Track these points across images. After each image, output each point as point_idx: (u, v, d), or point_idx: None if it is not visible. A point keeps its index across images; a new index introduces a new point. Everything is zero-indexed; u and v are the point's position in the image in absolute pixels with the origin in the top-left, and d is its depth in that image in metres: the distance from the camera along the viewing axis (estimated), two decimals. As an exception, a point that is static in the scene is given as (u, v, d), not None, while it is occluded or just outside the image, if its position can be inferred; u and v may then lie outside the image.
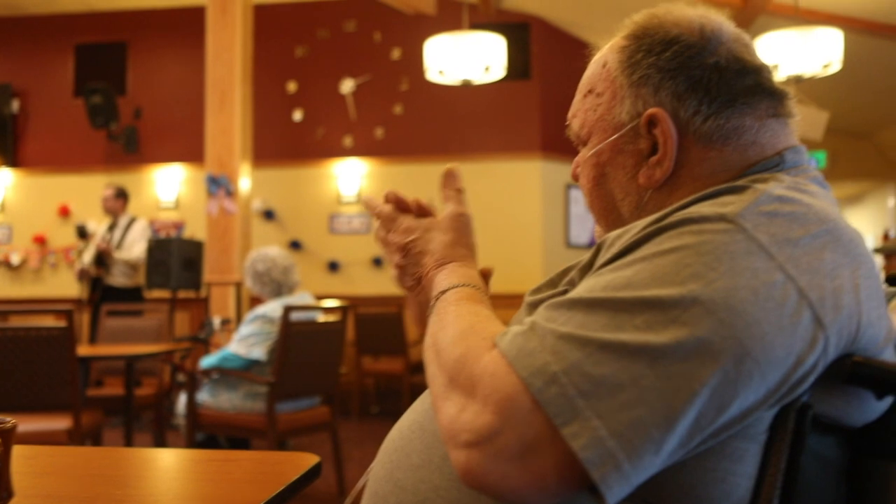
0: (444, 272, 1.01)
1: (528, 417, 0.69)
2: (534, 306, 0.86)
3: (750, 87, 0.90)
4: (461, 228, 1.06)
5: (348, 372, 6.66)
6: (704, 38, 0.91)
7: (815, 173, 0.91)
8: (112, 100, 7.94)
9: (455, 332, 0.84)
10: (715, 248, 0.72)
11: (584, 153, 0.99)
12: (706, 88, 0.89)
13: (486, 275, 1.10)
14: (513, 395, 0.70)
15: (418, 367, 6.32)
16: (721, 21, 0.94)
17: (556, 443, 0.68)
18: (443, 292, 0.95)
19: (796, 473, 0.75)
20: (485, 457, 0.71)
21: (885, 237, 8.98)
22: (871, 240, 10.09)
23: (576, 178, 1.05)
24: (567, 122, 1.04)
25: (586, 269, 0.84)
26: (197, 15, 6.63)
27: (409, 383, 6.39)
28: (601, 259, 0.81)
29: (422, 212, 1.11)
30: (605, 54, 0.98)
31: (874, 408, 0.82)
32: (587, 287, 0.77)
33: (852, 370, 0.75)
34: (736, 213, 0.75)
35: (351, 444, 5.19)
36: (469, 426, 0.72)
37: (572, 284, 0.85)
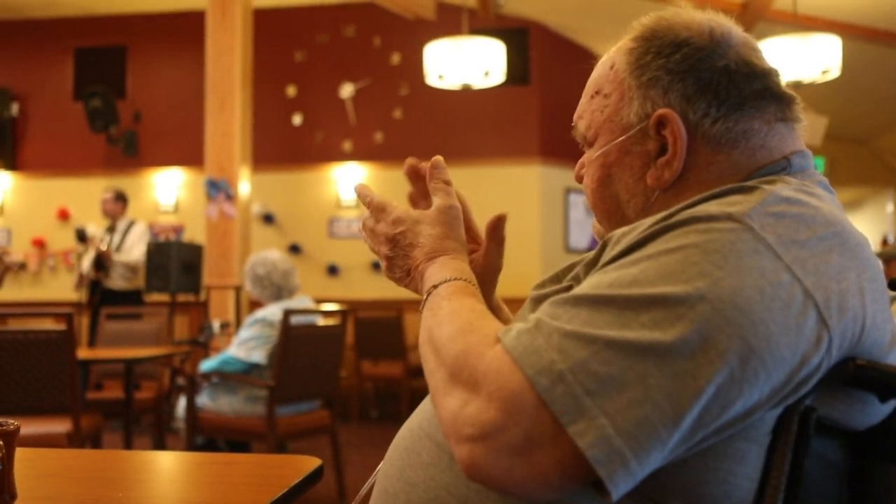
0: (434, 265, 1.00)
1: (533, 414, 0.69)
2: (538, 301, 0.86)
3: (758, 90, 0.91)
4: (450, 222, 1.05)
5: (348, 376, 6.66)
6: (714, 42, 0.91)
7: (822, 178, 0.91)
8: (112, 103, 7.94)
9: (454, 327, 0.84)
10: (722, 247, 0.73)
11: (591, 154, 0.99)
12: (715, 91, 0.89)
13: (500, 221, 1.12)
14: (518, 392, 0.70)
15: (418, 371, 6.31)
16: (730, 25, 0.94)
17: (562, 440, 0.68)
18: (435, 286, 0.95)
19: (800, 476, 0.75)
20: (489, 451, 0.71)
21: (884, 242, 8.99)
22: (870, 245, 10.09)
23: (580, 178, 1.05)
24: (573, 124, 1.04)
25: (591, 265, 0.84)
26: (197, 19, 6.63)
27: (409, 387, 6.39)
28: (606, 256, 0.81)
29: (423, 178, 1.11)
30: (613, 56, 0.98)
31: (877, 411, 0.82)
32: (593, 284, 0.77)
33: (855, 373, 0.75)
34: (743, 212, 0.75)
35: (350, 448, 5.19)
36: (473, 420, 0.72)
37: (577, 280, 0.85)
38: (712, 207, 0.77)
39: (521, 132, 7.83)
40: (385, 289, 7.70)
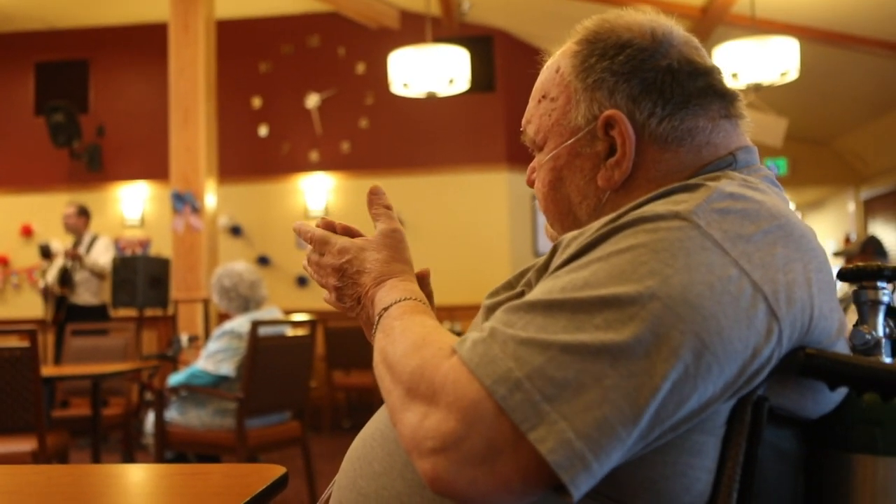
0: (384, 289, 1.00)
1: (493, 423, 0.69)
2: (491, 310, 0.86)
3: (702, 88, 0.92)
4: (395, 245, 1.06)
5: (319, 387, 6.63)
6: (656, 42, 0.92)
7: (767, 172, 0.93)
8: (74, 118, 7.85)
9: (406, 344, 0.84)
10: (670, 245, 0.73)
11: (541, 158, 1.00)
12: (660, 91, 0.91)
13: (424, 277, 1.10)
14: (477, 402, 0.70)
15: (389, 381, 6.28)
16: (671, 25, 0.96)
17: (523, 447, 0.69)
18: (386, 308, 0.95)
19: (754, 466, 0.77)
20: (451, 463, 0.70)
21: (847, 241, 9.13)
22: (833, 244, 10.25)
23: (531, 183, 1.06)
24: (521, 129, 1.05)
25: (542, 270, 0.84)
26: (159, 31, 6.59)
27: (381, 397, 6.35)
28: (557, 260, 0.81)
29: (351, 234, 1.11)
30: (558, 60, 0.99)
31: (828, 399, 0.83)
32: (545, 289, 0.77)
33: (805, 362, 0.76)
34: (689, 210, 0.76)
35: (323, 459, 5.16)
36: (433, 433, 0.72)
37: (529, 286, 0.85)
38: (659, 207, 0.78)
39: (487, 139, 7.86)
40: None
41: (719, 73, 0.95)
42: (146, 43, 8.01)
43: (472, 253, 7.60)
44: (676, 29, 0.95)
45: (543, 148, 1.00)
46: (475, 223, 7.75)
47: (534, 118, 1.01)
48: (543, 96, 1.00)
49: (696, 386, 0.70)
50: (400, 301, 0.96)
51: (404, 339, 0.85)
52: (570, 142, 0.95)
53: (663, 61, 0.91)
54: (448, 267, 7.10)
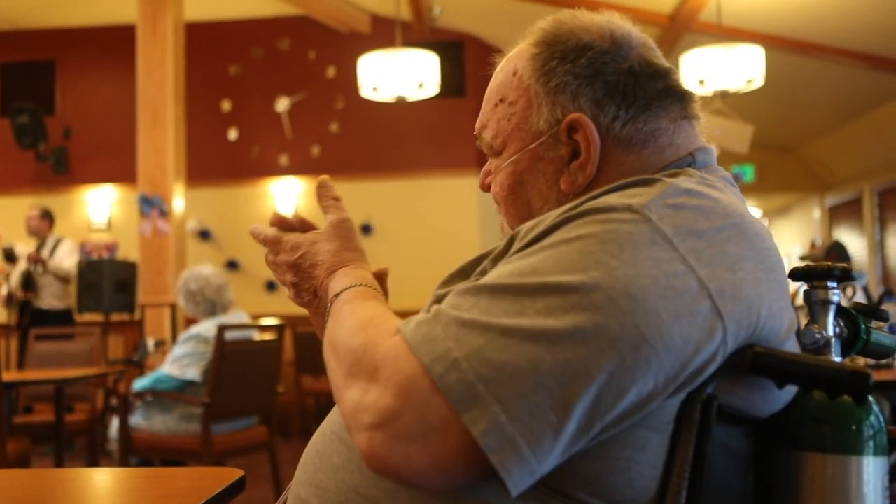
0: (336, 278, 1.01)
1: (428, 400, 0.70)
2: (440, 299, 0.87)
3: (662, 90, 0.93)
4: (345, 234, 1.07)
5: (287, 391, 6.58)
6: (616, 44, 0.93)
7: (725, 173, 0.93)
8: (40, 120, 7.75)
9: (352, 324, 0.85)
10: (619, 237, 0.74)
11: (500, 162, 0.99)
12: (623, 93, 0.91)
13: (381, 276, 1.11)
14: (413, 377, 0.71)
15: (359, 385, 6.26)
16: (628, 26, 0.96)
17: (456, 427, 0.69)
18: (337, 295, 0.96)
19: (703, 464, 0.77)
20: (386, 438, 0.71)
21: (812, 246, 9.27)
22: (799, 249, 10.40)
23: (486, 187, 1.06)
24: (476, 133, 1.04)
25: (499, 258, 0.84)
26: (127, 33, 6.52)
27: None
28: (514, 248, 0.82)
29: (306, 227, 1.13)
30: (514, 62, 0.98)
31: (777, 398, 0.84)
32: (495, 274, 0.78)
33: (754, 361, 0.77)
34: (642, 204, 0.76)
35: (291, 464, 5.12)
36: (371, 408, 0.72)
37: (484, 274, 0.85)
38: (613, 199, 0.78)
39: (458, 144, 7.87)
40: (325, 303, 7.63)
41: (676, 73, 0.96)
42: (114, 44, 7.92)
43: (442, 258, 7.60)
44: (634, 30, 0.96)
45: (502, 152, 0.99)
46: (445, 228, 7.76)
47: (490, 122, 1.00)
48: (501, 100, 0.99)
49: (635, 378, 0.70)
50: (350, 287, 0.96)
51: (351, 320, 0.86)
52: (531, 146, 0.95)
53: (624, 63, 0.92)
54: (418, 272, 7.09)
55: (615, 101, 0.91)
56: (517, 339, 0.70)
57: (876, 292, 5.47)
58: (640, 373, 0.70)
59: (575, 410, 0.69)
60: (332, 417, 0.98)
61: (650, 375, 0.71)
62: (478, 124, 1.04)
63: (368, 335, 0.80)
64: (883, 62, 6.37)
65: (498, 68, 1.03)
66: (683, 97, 0.95)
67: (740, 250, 0.78)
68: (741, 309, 0.76)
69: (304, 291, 1.08)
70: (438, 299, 0.86)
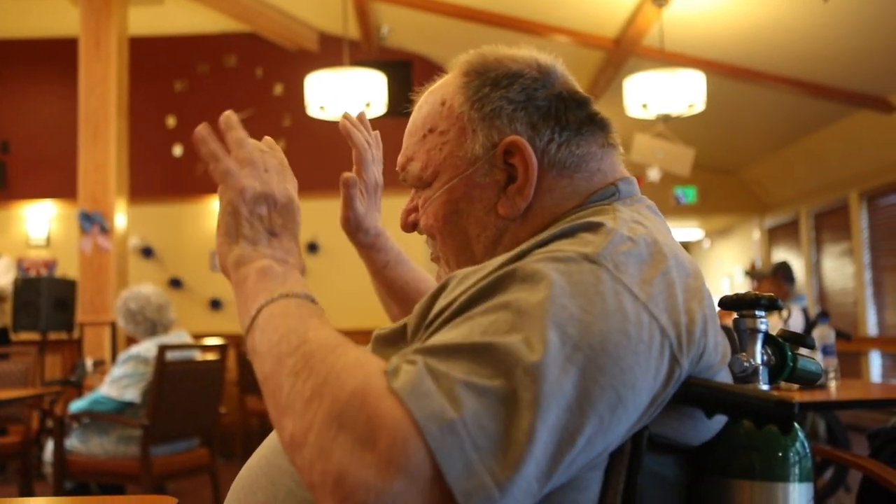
0: (296, 272, 0.89)
1: (431, 484, 0.63)
2: (378, 340, 0.84)
3: (586, 117, 0.94)
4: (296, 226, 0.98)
5: (231, 412, 6.48)
6: (543, 72, 0.94)
7: (650, 202, 0.95)
8: (-23, 133, 7.56)
9: (348, 359, 0.71)
10: (585, 290, 0.72)
11: (430, 193, 0.98)
12: (556, 118, 0.92)
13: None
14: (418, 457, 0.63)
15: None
16: (548, 56, 0.97)
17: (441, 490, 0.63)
18: (308, 296, 0.84)
19: (634, 494, 0.78)
20: None
21: (752, 267, 9.47)
22: (740, 269, 10.63)
23: (409, 226, 1.04)
24: (399, 168, 1.03)
25: (429, 305, 0.81)
26: (70, 46, 6.41)
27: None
28: (448, 296, 0.78)
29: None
30: (440, 93, 0.99)
31: (708, 427, 0.85)
32: (461, 332, 0.71)
33: (685, 391, 0.79)
34: (597, 252, 0.76)
35: (233, 486, 5.04)
36: (369, 486, 0.62)
37: (421, 318, 0.81)
38: (566, 247, 0.78)
39: (405, 163, 7.87)
40: (270, 322, 7.54)
41: (593, 102, 0.97)
42: (56, 58, 7.77)
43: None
44: (554, 60, 0.97)
45: (433, 183, 0.97)
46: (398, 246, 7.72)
47: (418, 154, 0.99)
48: (430, 130, 0.98)
49: (606, 437, 0.71)
50: (314, 300, 0.84)
51: (343, 351, 0.72)
52: (467, 172, 0.94)
53: (553, 90, 0.93)
54: (365, 291, 7.03)
55: (549, 124, 0.92)
56: (503, 406, 0.66)
57: (813, 312, 5.61)
58: (612, 432, 0.71)
59: (554, 475, 0.68)
60: (260, 451, 0.94)
61: (619, 430, 0.72)
62: (401, 158, 1.02)
63: (366, 381, 0.67)
64: (819, 89, 6.57)
65: (418, 104, 1.03)
66: (605, 126, 0.96)
67: (686, 294, 0.79)
68: (694, 350, 0.78)
69: (255, 204, 0.98)
70: (378, 341, 0.84)
